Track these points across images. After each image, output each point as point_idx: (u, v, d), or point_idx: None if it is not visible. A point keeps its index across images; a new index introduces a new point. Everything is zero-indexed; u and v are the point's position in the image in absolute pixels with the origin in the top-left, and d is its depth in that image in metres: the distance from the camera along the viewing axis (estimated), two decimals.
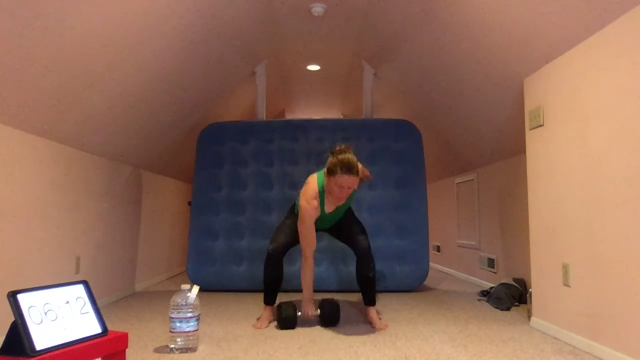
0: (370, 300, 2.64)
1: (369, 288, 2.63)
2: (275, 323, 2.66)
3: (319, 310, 2.63)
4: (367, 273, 2.60)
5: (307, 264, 2.60)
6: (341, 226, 2.73)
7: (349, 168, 2.37)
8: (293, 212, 2.73)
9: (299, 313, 2.62)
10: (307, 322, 2.67)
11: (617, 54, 1.91)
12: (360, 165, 2.55)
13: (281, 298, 3.40)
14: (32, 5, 1.82)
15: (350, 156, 2.41)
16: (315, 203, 2.51)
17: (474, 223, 4.41)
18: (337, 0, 3.52)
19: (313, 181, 2.56)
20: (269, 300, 2.66)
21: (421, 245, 3.75)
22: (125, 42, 2.48)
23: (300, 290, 3.69)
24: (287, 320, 2.53)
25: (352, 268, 3.68)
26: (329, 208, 2.58)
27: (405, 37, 3.65)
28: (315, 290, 3.71)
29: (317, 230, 2.73)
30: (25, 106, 2.20)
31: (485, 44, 2.77)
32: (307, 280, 2.62)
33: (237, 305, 3.22)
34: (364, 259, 2.60)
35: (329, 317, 2.60)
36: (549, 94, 2.46)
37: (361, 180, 2.61)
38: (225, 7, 3.14)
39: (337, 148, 2.48)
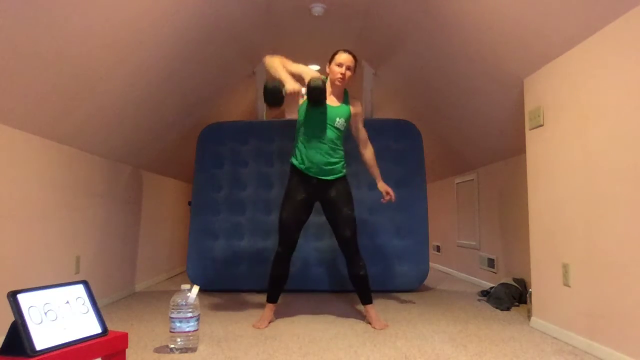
0: (367, 299, 2.64)
1: (363, 287, 2.62)
2: (275, 323, 2.66)
3: (304, 89, 2.54)
4: (359, 272, 2.60)
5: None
6: (334, 206, 2.62)
7: (346, 50, 2.68)
8: (294, 174, 2.67)
9: (284, 94, 2.49)
10: (292, 98, 2.54)
11: (617, 54, 1.91)
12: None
13: (281, 298, 3.40)
14: (32, 5, 1.82)
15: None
16: (316, 74, 2.63)
17: (474, 223, 4.41)
18: (337, 0, 3.52)
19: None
20: (272, 298, 2.66)
21: (421, 245, 3.75)
22: (126, 42, 2.48)
23: (301, 290, 3.71)
24: (273, 92, 2.44)
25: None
26: (333, 101, 2.68)
27: (405, 37, 3.65)
28: (314, 291, 3.72)
29: (315, 181, 2.63)
30: (25, 106, 2.20)
31: (485, 44, 2.77)
32: (278, 68, 2.59)
33: (237, 305, 3.22)
34: (352, 258, 2.60)
35: (315, 92, 2.46)
36: (549, 94, 2.46)
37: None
38: (226, 7, 3.14)
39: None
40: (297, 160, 2.67)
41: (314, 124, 2.62)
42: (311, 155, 2.60)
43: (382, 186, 2.88)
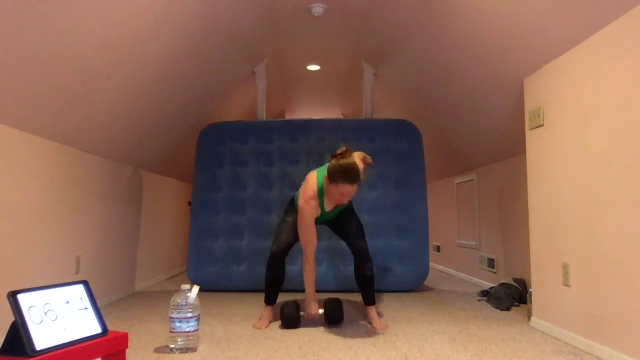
0: (369, 300, 2.64)
1: (368, 288, 2.63)
2: (275, 323, 2.66)
3: (322, 310, 2.62)
4: (365, 272, 2.60)
5: (309, 262, 2.58)
6: (340, 220, 2.72)
7: (350, 177, 2.33)
8: (292, 207, 2.71)
9: (302, 312, 2.62)
10: (311, 321, 2.67)
11: (617, 54, 1.91)
12: (361, 156, 2.57)
13: (281, 298, 3.40)
14: (32, 5, 1.82)
15: (351, 162, 2.36)
16: (314, 203, 2.50)
17: (474, 223, 4.41)
18: (337, 0, 3.52)
19: (313, 180, 2.54)
20: (269, 300, 2.66)
21: (421, 245, 3.75)
22: (126, 42, 2.49)
23: (300, 290, 3.70)
24: (290, 319, 2.54)
25: (351, 268, 3.68)
26: (328, 206, 2.58)
27: (405, 37, 3.65)
28: (316, 290, 3.70)
29: (315, 223, 2.74)
30: (25, 106, 2.20)
31: (485, 44, 2.77)
32: (309, 279, 2.61)
33: (237, 305, 3.22)
34: (362, 259, 2.61)
35: (333, 316, 2.60)
36: (549, 94, 2.46)
37: (365, 168, 2.57)
38: (226, 7, 3.14)
39: (338, 151, 2.45)
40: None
41: (321, 217, 2.66)
42: (319, 221, 2.69)
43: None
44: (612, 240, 1.95)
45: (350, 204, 2.74)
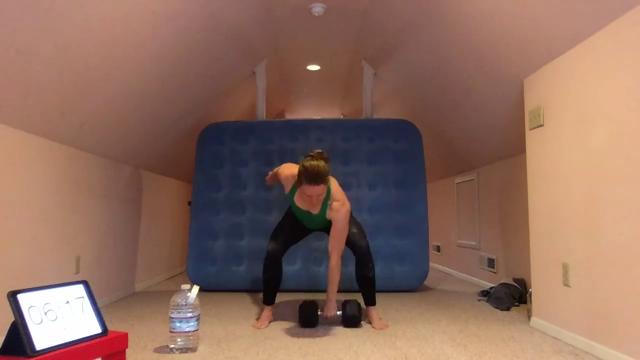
0: (370, 300, 2.64)
1: (369, 288, 2.63)
2: (275, 323, 2.66)
3: (340, 311, 2.61)
4: (367, 273, 2.61)
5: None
6: None
7: (313, 178, 2.33)
8: (290, 210, 2.74)
9: (320, 312, 2.61)
10: (329, 322, 2.66)
11: (617, 54, 1.91)
12: (334, 185, 2.53)
13: (280, 298, 3.40)
14: (32, 5, 1.82)
15: (318, 164, 2.36)
16: (289, 176, 2.53)
17: (474, 223, 4.41)
18: (337, 0, 3.52)
19: (295, 169, 2.52)
20: (268, 300, 2.66)
21: (421, 245, 3.75)
22: (126, 42, 2.49)
23: (299, 290, 3.70)
24: (308, 319, 2.55)
25: (352, 268, 3.66)
26: (299, 201, 2.57)
27: (405, 37, 3.65)
28: (315, 290, 3.71)
29: (312, 229, 2.75)
30: (25, 106, 2.20)
31: (486, 44, 2.77)
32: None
33: (237, 305, 3.22)
34: (363, 259, 2.61)
35: (351, 318, 2.57)
36: (549, 94, 2.46)
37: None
38: (226, 7, 3.14)
39: (311, 153, 2.46)
40: (294, 213, 2.72)
41: (302, 215, 2.65)
42: (305, 222, 2.70)
43: (329, 308, 2.56)
44: (612, 240, 1.95)
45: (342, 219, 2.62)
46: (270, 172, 2.80)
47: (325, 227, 2.71)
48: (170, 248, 4.77)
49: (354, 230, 2.67)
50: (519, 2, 2.27)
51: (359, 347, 2.17)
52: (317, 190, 2.37)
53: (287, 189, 2.59)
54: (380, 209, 3.82)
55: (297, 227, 2.74)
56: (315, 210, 2.56)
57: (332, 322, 2.66)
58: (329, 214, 2.53)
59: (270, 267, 2.62)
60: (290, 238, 2.68)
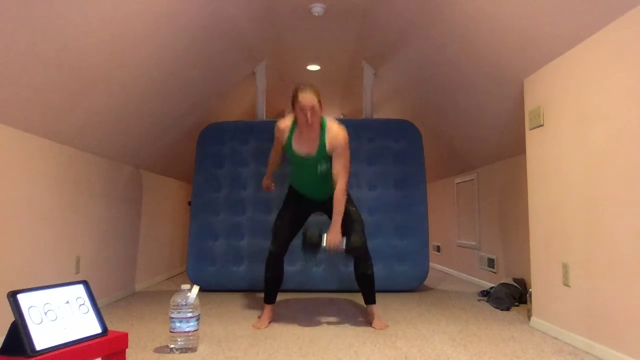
0: (370, 299, 2.64)
1: (368, 286, 2.63)
2: (275, 323, 2.66)
3: (344, 241, 2.51)
4: (365, 271, 2.61)
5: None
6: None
7: (304, 87, 2.44)
8: (289, 192, 2.77)
9: (325, 240, 2.49)
10: (332, 252, 2.52)
11: (617, 54, 1.91)
12: (328, 119, 2.59)
13: (280, 297, 3.40)
14: (32, 5, 1.82)
15: (309, 83, 2.50)
16: (283, 128, 2.60)
17: (474, 223, 4.41)
18: (337, 0, 3.52)
19: (286, 119, 2.63)
20: (269, 299, 2.66)
21: (421, 245, 3.75)
22: (126, 42, 2.49)
23: (300, 290, 3.70)
24: (311, 244, 2.48)
25: (352, 268, 3.68)
26: (299, 146, 2.55)
27: (405, 37, 3.65)
28: (316, 290, 3.72)
29: (312, 202, 2.70)
30: (25, 106, 2.20)
31: (485, 44, 2.77)
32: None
33: (237, 305, 3.22)
34: (361, 257, 2.61)
35: (354, 247, 2.49)
36: (549, 94, 2.46)
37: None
38: (226, 7, 3.14)
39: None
40: (292, 182, 2.76)
41: (300, 168, 2.64)
42: (304, 187, 2.70)
43: (333, 235, 2.47)
44: (612, 240, 1.95)
45: (351, 201, 2.65)
46: (265, 177, 2.89)
47: (327, 192, 2.63)
48: (170, 248, 4.77)
49: (354, 225, 2.59)
50: (519, 2, 2.27)
51: (359, 347, 2.17)
52: (312, 100, 2.42)
53: (284, 140, 2.60)
54: (380, 209, 3.82)
55: (298, 209, 2.71)
56: (314, 148, 2.51)
57: (335, 251, 2.51)
58: (329, 143, 2.51)
59: (272, 266, 2.64)
60: (292, 227, 2.67)
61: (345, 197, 2.53)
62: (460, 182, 4.84)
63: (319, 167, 2.57)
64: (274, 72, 5.04)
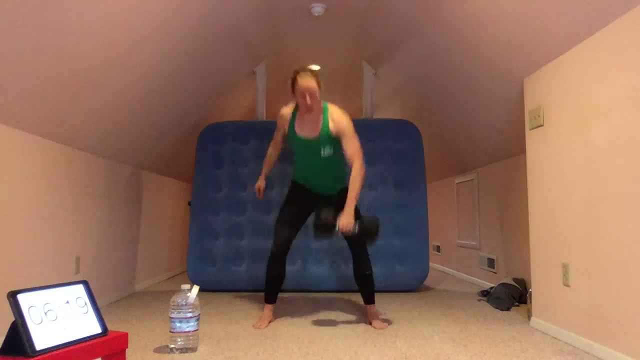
0: (369, 299, 2.64)
1: (367, 286, 2.63)
2: (275, 323, 2.66)
3: (357, 224, 2.45)
4: (364, 271, 2.61)
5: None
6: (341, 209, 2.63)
7: (303, 69, 2.46)
8: (291, 187, 2.76)
9: (338, 224, 2.42)
10: (344, 233, 2.46)
11: (617, 54, 1.91)
12: (330, 105, 2.60)
13: (281, 298, 3.40)
14: (32, 5, 1.82)
15: (307, 67, 2.53)
16: (284, 113, 2.62)
17: (474, 223, 4.41)
18: (337, 0, 3.52)
19: (286, 107, 2.65)
20: (270, 299, 2.66)
21: (421, 245, 3.75)
22: (125, 42, 2.48)
23: (300, 290, 3.70)
24: (325, 226, 2.41)
25: (352, 268, 3.68)
26: (301, 129, 2.55)
27: (405, 37, 3.65)
28: (315, 291, 3.72)
29: (316, 190, 2.68)
30: (25, 106, 2.20)
31: (485, 44, 2.77)
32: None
33: (237, 305, 3.22)
34: (360, 257, 2.61)
35: (367, 232, 2.45)
36: (549, 94, 2.46)
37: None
38: (225, 7, 3.14)
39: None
40: (296, 176, 2.75)
41: (304, 155, 2.64)
42: (309, 178, 2.68)
43: (346, 217, 2.41)
44: (612, 240, 1.95)
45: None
46: (257, 183, 2.89)
47: (331, 185, 2.64)
48: (170, 248, 4.77)
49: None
50: (519, 2, 2.27)
51: (359, 347, 2.17)
52: (311, 82, 2.42)
53: (286, 125, 2.61)
54: (380, 209, 3.81)
55: (300, 206, 2.69)
56: (316, 130, 2.50)
57: (348, 232, 2.44)
58: (333, 127, 2.49)
59: (274, 265, 2.63)
60: (294, 226, 2.66)
61: (362, 178, 2.48)
62: (460, 182, 4.84)
63: (322, 151, 2.54)
64: (274, 72, 5.04)
